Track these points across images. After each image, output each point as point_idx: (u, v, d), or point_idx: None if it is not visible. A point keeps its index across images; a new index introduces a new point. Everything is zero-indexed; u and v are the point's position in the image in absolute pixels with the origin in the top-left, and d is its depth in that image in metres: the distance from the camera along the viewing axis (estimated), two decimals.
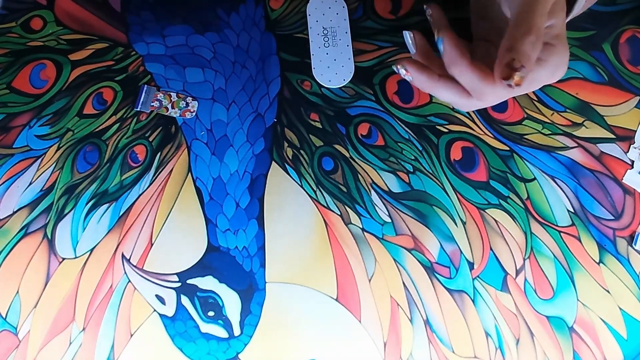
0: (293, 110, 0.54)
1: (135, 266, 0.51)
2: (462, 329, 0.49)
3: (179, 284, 0.50)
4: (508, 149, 0.52)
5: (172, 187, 0.52)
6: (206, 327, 0.50)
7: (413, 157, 0.53)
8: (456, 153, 0.53)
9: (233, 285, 0.50)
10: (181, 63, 0.55)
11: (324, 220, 0.51)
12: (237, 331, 0.50)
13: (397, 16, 0.55)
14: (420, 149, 0.53)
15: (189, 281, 0.50)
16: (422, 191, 0.52)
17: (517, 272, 0.50)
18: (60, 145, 0.53)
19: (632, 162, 0.51)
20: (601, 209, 0.51)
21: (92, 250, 0.51)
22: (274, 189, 0.52)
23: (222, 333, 0.50)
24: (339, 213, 0.52)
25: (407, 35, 0.42)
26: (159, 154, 0.53)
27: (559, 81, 0.53)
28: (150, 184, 0.52)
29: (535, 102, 0.53)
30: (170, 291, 0.50)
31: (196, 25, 0.56)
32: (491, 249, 0.51)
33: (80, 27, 0.56)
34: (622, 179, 0.51)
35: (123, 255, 0.51)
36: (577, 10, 0.42)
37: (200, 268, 0.51)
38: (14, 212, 0.52)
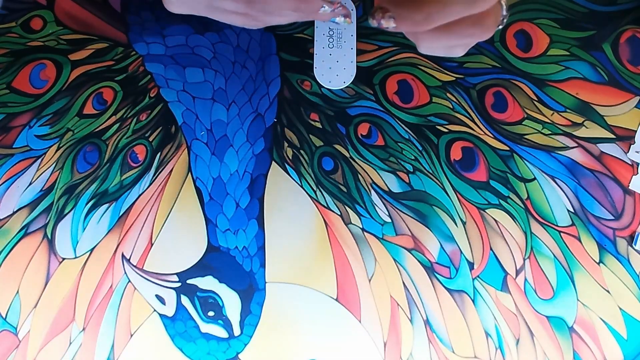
0: (293, 110, 0.54)
1: (135, 266, 0.51)
2: (462, 329, 0.49)
3: (179, 284, 0.50)
4: (508, 149, 0.52)
5: (172, 187, 0.52)
6: (206, 327, 0.50)
7: (413, 157, 0.53)
8: (456, 153, 0.53)
9: (233, 285, 0.50)
10: (181, 63, 0.55)
11: (324, 220, 0.51)
12: (237, 331, 0.50)
13: None
14: (420, 149, 0.53)
15: (189, 281, 0.50)
16: (422, 191, 0.52)
17: (517, 272, 0.50)
18: (60, 145, 0.53)
19: (637, 165, 0.51)
20: (601, 209, 0.51)
21: (92, 250, 0.51)
22: (274, 189, 0.52)
23: (222, 333, 0.50)
24: (339, 213, 0.52)
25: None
26: (159, 154, 0.53)
27: (559, 81, 0.53)
28: (150, 184, 0.52)
29: (535, 102, 0.53)
30: (170, 291, 0.50)
31: (196, 25, 0.56)
32: (491, 249, 0.51)
33: (80, 27, 0.56)
34: (629, 185, 0.51)
35: (123, 255, 0.51)
36: None
37: (200, 268, 0.51)
38: (14, 212, 0.52)
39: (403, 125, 0.53)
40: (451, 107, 0.53)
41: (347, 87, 0.54)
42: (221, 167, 0.53)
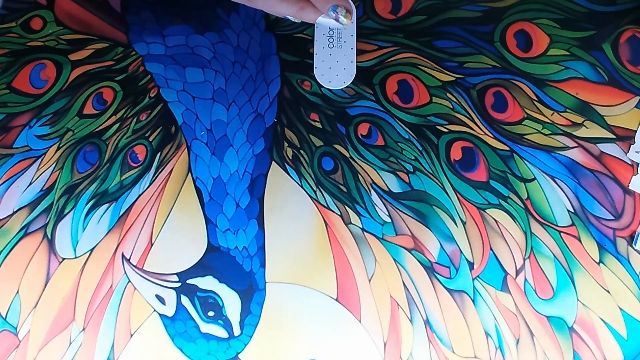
0: (293, 110, 0.54)
1: (135, 266, 0.51)
2: (462, 329, 0.49)
3: (179, 284, 0.50)
4: (508, 149, 0.52)
5: (172, 187, 0.52)
6: (206, 327, 0.50)
7: (413, 157, 0.53)
8: (456, 153, 0.53)
9: (233, 285, 0.50)
10: (181, 63, 0.55)
11: (324, 220, 0.51)
12: (237, 331, 0.50)
13: (397, 16, 0.55)
14: (420, 149, 0.53)
15: (189, 281, 0.50)
16: (422, 191, 0.52)
17: (517, 272, 0.50)
18: (60, 145, 0.53)
19: (637, 165, 0.51)
20: (601, 209, 0.51)
21: (92, 250, 0.51)
22: (274, 189, 0.52)
23: (222, 333, 0.50)
24: (339, 213, 0.52)
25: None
26: (159, 154, 0.53)
27: (559, 81, 0.53)
28: (150, 184, 0.52)
29: (535, 102, 0.53)
30: (170, 291, 0.50)
31: (196, 25, 0.56)
32: (491, 249, 0.51)
33: (80, 27, 0.56)
34: (629, 186, 0.51)
35: (123, 255, 0.51)
36: None
37: (200, 268, 0.51)
38: (14, 212, 0.52)
39: (403, 125, 0.53)
40: (451, 107, 0.53)
41: (347, 87, 0.54)
42: (221, 167, 0.53)
